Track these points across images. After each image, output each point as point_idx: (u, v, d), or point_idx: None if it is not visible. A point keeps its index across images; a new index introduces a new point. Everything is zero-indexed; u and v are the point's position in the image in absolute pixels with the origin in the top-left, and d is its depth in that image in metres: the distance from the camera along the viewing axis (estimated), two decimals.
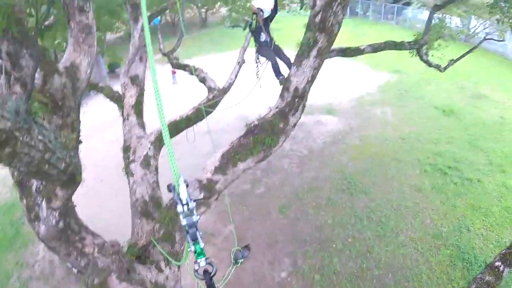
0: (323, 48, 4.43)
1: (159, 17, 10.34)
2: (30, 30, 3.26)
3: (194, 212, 1.87)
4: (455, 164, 12.37)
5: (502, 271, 4.09)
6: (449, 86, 19.42)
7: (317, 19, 4.37)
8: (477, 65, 21.99)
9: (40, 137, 2.29)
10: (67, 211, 3.84)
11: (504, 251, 4.33)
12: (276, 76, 5.88)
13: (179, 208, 1.83)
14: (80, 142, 4.27)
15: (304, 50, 4.49)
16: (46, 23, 6.22)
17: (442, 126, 15.23)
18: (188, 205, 1.84)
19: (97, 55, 4.84)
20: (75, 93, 3.86)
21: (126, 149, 5.93)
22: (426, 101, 17.81)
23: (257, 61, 6.49)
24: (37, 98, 3.44)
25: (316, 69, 4.57)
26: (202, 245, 1.97)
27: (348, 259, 8.94)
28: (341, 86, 19.86)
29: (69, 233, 3.85)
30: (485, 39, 11.25)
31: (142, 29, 6.56)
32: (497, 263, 4.17)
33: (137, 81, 6.75)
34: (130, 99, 6.53)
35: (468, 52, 10.16)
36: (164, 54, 12.16)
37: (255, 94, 6.71)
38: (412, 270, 8.56)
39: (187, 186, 1.87)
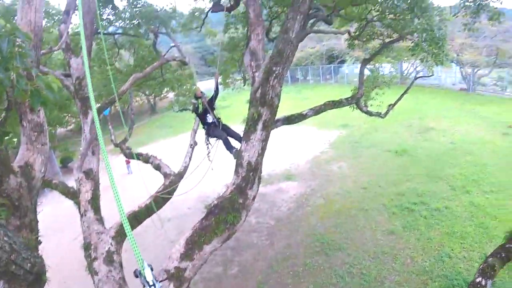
0: (267, 121, 4.68)
1: (108, 108, 10.48)
2: None
3: None
4: (420, 198, 12.77)
5: (485, 285, 4.14)
6: (397, 128, 20.78)
7: (258, 94, 4.67)
8: (418, 102, 24.14)
9: (5, 238, 2.43)
10: None
11: (482, 266, 4.40)
12: (229, 150, 6.00)
13: None
14: (39, 242, 4.20)
15: (250, 125, 4.72)
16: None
17: (398, 167, 15.88)
18: (155, 286, 1.92)
19: (49, 151, 4.85)
20: (31, 192, 3.89)
21: (87, 247, 5.63)
22: (378, 147, 18.70)
23: (207, 143, 6.61)
24: None
25: (265, 141, 4.78)
26: None
27: None
28: (295, 151, 20.46)
29: None
30: (416, 78, 12.32)
31: (93, 122, 6.59)
32: (478, 279, 4.24)
33: (91, 175, 6.60)
34: (86, 194, 6.34)
35: (403, 94, 10.93)
36: (116, 145, 12.04)
37: (211, 173, 6.75)
38: None
39: (151, 269, 1.96)
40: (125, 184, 18.27)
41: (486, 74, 28.43)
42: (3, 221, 3.53)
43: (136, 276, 2.04)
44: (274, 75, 4.56)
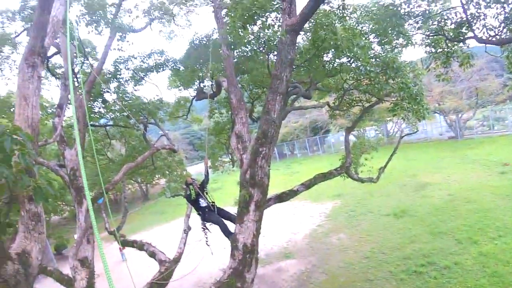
0: (259, 201, 4.70)
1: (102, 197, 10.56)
2: None
3: None
4: (427, 259, 12.08)
5: None
6: (392, 189, 20.52)
7: (247, 175, 4.74)
8: (409, 159, 24.18)
9: None
10: None
11: None
12: (227, 236, 5.88)
13: None
14: None
15: (243, 207, 4.73)
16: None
17: (400, 230, 15.35)
18: None
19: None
20: (28, 279, 3.90)
21: None
22: (375, 213, 18.24)
23: (204, 228, 6.49)
24: None
25: (258, 221, 4.75)
26: None
27: None
28: (291, 227, 19.69)
29: None
30: (401, 137, 12.48)
31: (87, 211, 6.82)
32: None
33: (86, 263, 6.70)
34: (81, 282, 6.43)
35: (392, 155, 11.01)
36: (110, 233, 11.91)
37: (207, 257, 6.54)
38: None
39: None
40: (120, 272, 17.38)
41: (471, 117, 28.58)
42: None
43: None
44: (261, 155, 4.69)
